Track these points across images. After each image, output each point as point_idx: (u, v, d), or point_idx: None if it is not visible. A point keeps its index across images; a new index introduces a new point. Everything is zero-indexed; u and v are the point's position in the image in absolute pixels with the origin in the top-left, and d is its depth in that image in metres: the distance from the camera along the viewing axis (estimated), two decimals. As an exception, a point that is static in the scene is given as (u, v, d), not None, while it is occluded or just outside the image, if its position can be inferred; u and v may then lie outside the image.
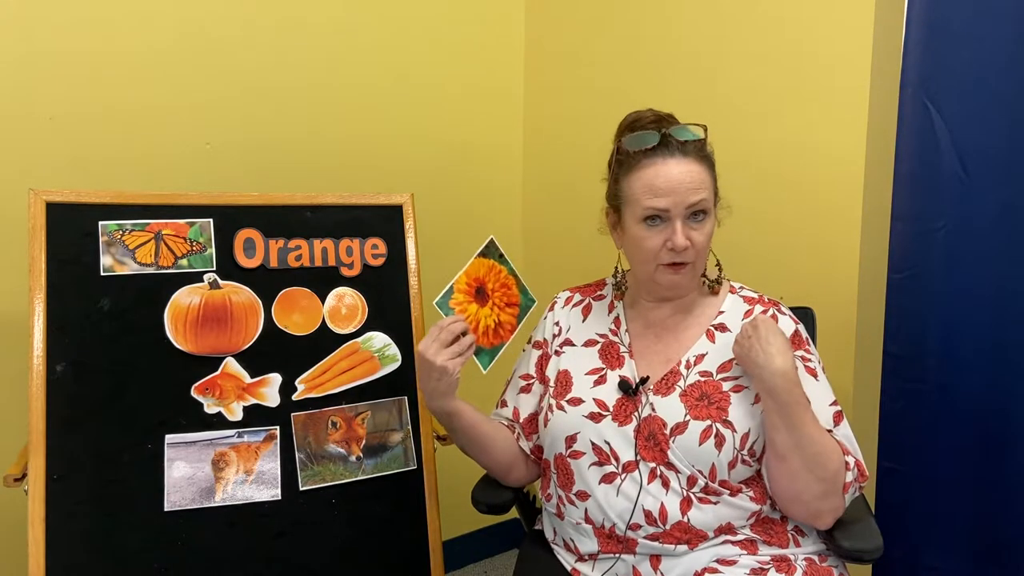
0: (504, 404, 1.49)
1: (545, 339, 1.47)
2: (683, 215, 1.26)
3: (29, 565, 1.34)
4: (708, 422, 1.26)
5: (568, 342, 1.43)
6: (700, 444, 1.25)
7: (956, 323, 1.55)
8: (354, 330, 1.63)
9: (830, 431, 1.27)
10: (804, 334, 1.35)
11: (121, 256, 1.50)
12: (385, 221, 1.70)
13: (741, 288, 1.40)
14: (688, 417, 1.27)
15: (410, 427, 1.62)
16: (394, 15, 2.13)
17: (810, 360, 1.32)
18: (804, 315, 1.53)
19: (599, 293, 1.47)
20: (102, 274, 1.48)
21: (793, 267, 1.82)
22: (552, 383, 1.41)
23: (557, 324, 1.47)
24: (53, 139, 1.70)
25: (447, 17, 2.23)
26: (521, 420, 1.45)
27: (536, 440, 1.44)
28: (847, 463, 1.25)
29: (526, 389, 1.47)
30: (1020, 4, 1.45)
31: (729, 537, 1.27)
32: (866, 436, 1.70)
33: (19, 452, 1.44)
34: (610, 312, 1.43)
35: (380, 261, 1.68)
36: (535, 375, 1.46)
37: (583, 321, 1.45)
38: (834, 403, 1.31)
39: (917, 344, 1.59)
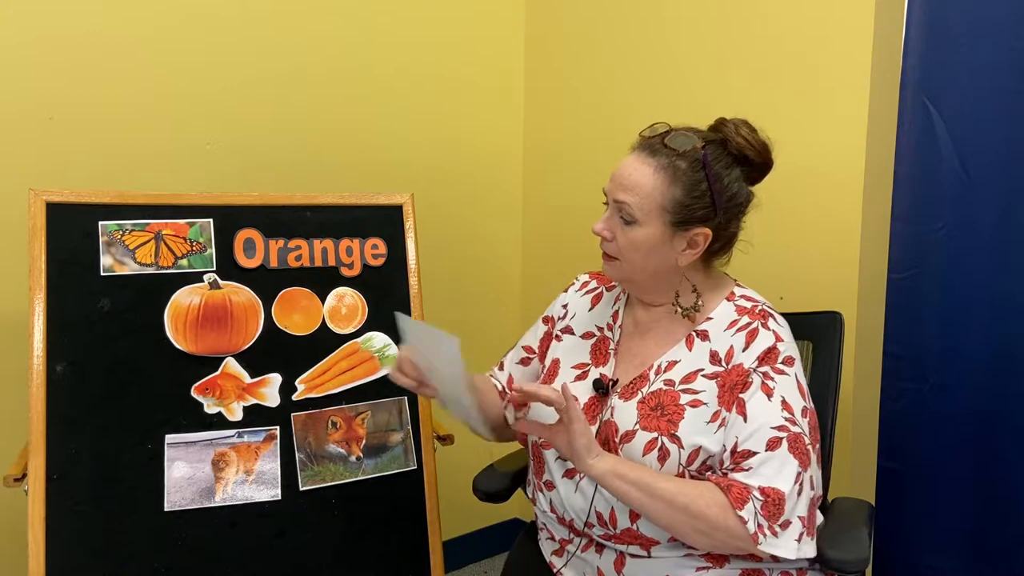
0: (502, 367, 1.49)
1: (552, 318, 1.46)
2: (613, 206, 1.24)
3: (29, 565, 1.34)
4: (655, 434, 1.21)
5: (569, 330, 1.42)
6: (643, 455, 1.21)
7: (956, 323, 1.55)
8: (354, 330, 1.63)
9: (754, 454, 1.16)
10: (785, 353, 1.24)
11: (121, 256, 1.50)
12: (385, 221, 1.70)
13: (741, 296, 1.32)
14: (637, 426, 1.23)
15: (410, 427, 1.62)
16: (395, 15, 2.12)
17: (774, 378, 1.21)
18: (832, 320, 1.50)
19: (612, 284, 1.44)
20: (102, 274, 1.48)
21: (793, 267, 1.81)
22: (546, 369, 1.41)
23: (565, 307, 1.45)
24: (53, 139, 1.70)
25: (448, 16, 2.23)
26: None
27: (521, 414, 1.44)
28: (743, 495, 1.14)
29: (525, 361, 1.46)
30: (1020, 4, 1.45)
31: (692, 551, 1.22)
32: (866, 436, 1.71)
33: (19, 452, 1.44)
34: (613, 304, 1.40)
35: (380, 261, 1.68)
36: (537, 351, 1.46)
37: (590, 310, 1.42)
38: (782, 427, 1.17)
39: (917, 344, 1.59)
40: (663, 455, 1.21)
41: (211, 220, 1.57)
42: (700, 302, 1.30)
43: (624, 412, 1.26)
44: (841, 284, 1.74)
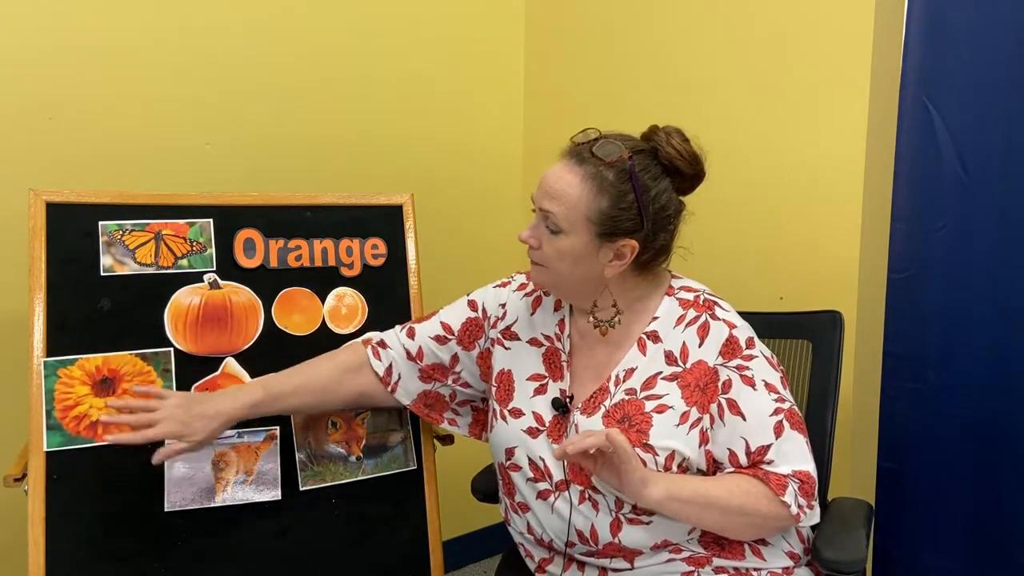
0: (412, 334, 1.44)
1: (486, 311, 1.42)
2: (539, 214, 1.23)
3: (29, 565, 1.33)
4: None
5: (513, 335, 1.38)
6: None
7: (956, 323, 1.55)
8: (354, 330, 1.63)
9: (769, 446, 1.21)
10: (743, 337, 1.25)
11: (121, 256, 1.50)
12: (385, 221, 1.70)
13: (680, 288, 1.31)
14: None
15: (410, 427, 1.62)
16: (395, 15, 2.12)
17: (747, 368, 1.23)
18: (831, 319, 1.50)
19: None
20: (102, 274, 1.48)
21: (793, 267, 1.82)
22: (494, 382, 1.38)
23: (503, 307, 1.41)
24: (53, 139, 1.70)
25: (448, 16, 2.23)
26: (422, 364, 1.43)
27: (412, 394, 1.45)
28: (782, 482, 1.19)
29: (440, 340, 1.42)
30: (1020, 4, 1.45)
31: (673, 556, 1.23)
32: (866, 436, 1.71)
33: (19, 452, 1.44)
34: (556, 311, 1.36)
35: (380, 261, 1.68)
36: (456, 333, 1.42)
37: (531, 315, 1.38)
38: (777, 410, 1.21)
39: (917, 344, 1.59)
40: None
41: (211, 220, 1.57)
42: (618, 319, 1.28)
43: (590, 428, 1.24)
44: (841, 284, 1.74)
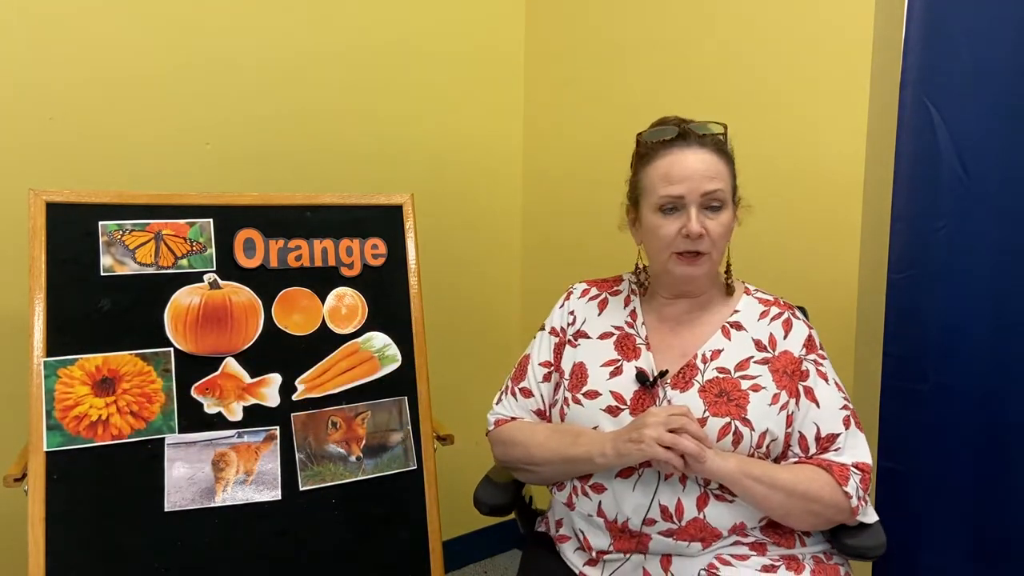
0: (529, 393, 1.44)
1: (561, 327, 1.45)
2: (698, 203, 1.28)
3: (29, 565, 1.34)
4: (727, 419, 1.26)
5: (583, 334, 1.42)
6: (718, 441, 1.25)
7: (956, 323, 1.55)
8: (354, 330, 1.63)
9: (837, 435, 1.29)
10: (818, 339, 1.37)
11: (121, 256, 1.50)
12: (385, 221, 1.70)
13: (756, 290, 1.41)
14: (707, 414, 1.26)
15: (410, 427, 1.62)
16: (394, 15, 2.13)
17: (822, 364, 1.34)
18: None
19: (616, 288, 1.46)
20: (102, 274, 1.48)
21: (793, 267, 1.82)
22: (567, 375, 1.39)
23: (572, 314, 1.45)
24: (53, 139, 1.70)
25: (448, 17, 2.23)
26: (549, 412, 1.44)
27: None
28: (844, 472, 1.26)
29: (547, 378, 1.44)
30: (1020, 4, 1.45)
31: (740, 539, 1.27)
32: (866, 436, 1.71)
33: (19, 452, 1.44)
34: (626, 306, 1.43)
35: (380, 261, 1.68)
36: (553, 363, 1.44)
37: (599, 315, 1.43)
38: (845, 406, 1.32)
39: (917, 344, 1.59)
40: (737, 439, 1.26)
41: (211, 220, 1.58)
42: (731, 280, 1.39)
43: (686, 402, 1.29)
44: (841, 284, 1.74)
